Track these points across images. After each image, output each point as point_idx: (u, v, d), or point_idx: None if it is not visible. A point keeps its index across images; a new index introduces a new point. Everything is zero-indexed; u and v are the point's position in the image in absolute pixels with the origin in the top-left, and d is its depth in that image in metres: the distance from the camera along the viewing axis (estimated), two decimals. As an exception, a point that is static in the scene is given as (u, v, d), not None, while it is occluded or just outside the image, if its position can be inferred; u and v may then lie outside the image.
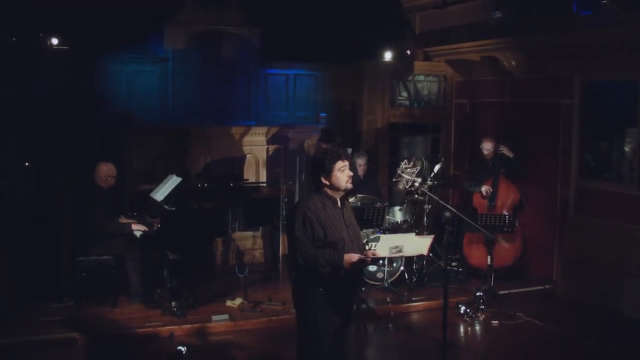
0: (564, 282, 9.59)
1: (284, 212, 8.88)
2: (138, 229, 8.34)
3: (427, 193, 8.06)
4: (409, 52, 11.79)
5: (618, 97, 9.21)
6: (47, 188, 8.92)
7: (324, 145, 9.40)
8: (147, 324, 7.93)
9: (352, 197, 9.41)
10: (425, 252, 5.82)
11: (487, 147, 10.05)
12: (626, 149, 9.20)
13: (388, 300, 9.07)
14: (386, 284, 9.30)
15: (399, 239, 5.60)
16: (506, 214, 9.60)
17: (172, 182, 8.71)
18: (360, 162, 9.98)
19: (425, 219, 9.91)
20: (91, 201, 8.37)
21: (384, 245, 5.44)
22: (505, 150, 9.91)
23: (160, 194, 8.67)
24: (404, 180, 9.31)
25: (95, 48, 9.59)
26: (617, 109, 9.23)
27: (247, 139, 10.49)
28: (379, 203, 9.29)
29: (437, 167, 9.98)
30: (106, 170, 8.51)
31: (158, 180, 9.01)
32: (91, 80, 9.67)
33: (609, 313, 8.66)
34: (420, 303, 9.05)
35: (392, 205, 9.80)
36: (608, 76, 9.26)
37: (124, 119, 9.80)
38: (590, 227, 9.36)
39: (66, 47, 9.31)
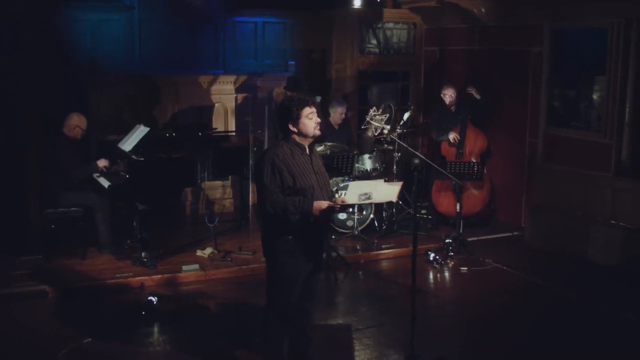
0: (531, 229, 9.70)
1: (252, 161, 8.85)
2: (103, 165, 8.34)
3: (396, 140, 8.04)
4: (378, -1, 11.69)
5: (587, 46, 9.23)
6: (13, 139, 8.78)
7: (289, 93, 9.34)
8: (117, 275, 7.91)
9: (321, 145, 9.39)
10: (394, 199, 5.83)
11: (448, 94, 10.04)
12: (594, 97, 9.24)
13: (358, 248, 9.13)
14: (356, 232, 9.35)
15: (368, 185, 5.59)
16: (474, 161, 9.64)
17: (140, 132, 8.62)
18: (341, 110, 9.98)
19: (394, 167, 9.94)
20: (59, 152, 8.28)
21: (353, 192, 5.43)
22: (473, 91, 9.89)
23: (128, 144, 8.58)
24: (373, 127, 9.29)
25: (58, -5, 9.40)
26: (586, 58, 9.24)
27: (215, 88, 10.38)
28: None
29: (406, 115, 9.97)
30: (77, 121, 8.44)
31: (125, 131, 8.92)
32: (55, 29, 9.47)
33: (576, 259, 8.79)
34: (389, 250, 9.11)
35: (362, 153, 9.80)
36: (578, 24, 9.25)
37: (91, 69, 9.65)
38: (558, 175, 9.44)
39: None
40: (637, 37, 8.55)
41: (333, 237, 9.09)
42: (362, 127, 9.66)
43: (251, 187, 9.27)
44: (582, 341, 6.62)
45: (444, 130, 10.10)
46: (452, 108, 10.09)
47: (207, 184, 10.13)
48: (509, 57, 10.16)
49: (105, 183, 8.31)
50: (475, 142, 9.99)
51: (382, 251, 9.09)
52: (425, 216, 10.10)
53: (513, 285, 8.13)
